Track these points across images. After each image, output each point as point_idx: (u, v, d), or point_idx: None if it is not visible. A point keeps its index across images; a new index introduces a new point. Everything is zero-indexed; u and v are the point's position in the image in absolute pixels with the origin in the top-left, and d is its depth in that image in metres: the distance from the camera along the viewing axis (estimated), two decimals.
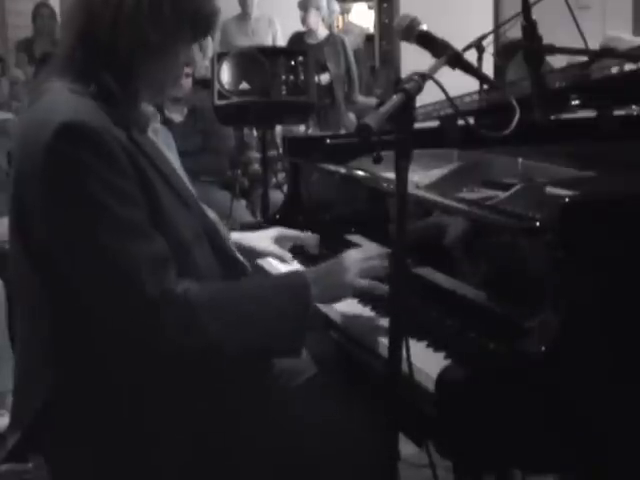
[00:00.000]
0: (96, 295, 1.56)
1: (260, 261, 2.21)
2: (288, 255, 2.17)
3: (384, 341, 1.65)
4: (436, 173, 2.23)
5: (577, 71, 2.57)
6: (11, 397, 3.43)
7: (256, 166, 5.14)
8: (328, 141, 2.64)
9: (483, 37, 3.17)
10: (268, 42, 7.11)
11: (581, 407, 1.54)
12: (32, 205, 1.58)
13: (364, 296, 1.89)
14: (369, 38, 9.22)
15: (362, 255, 1.81)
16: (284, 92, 4.02)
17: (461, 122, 2.37)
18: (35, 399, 1.64)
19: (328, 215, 2.53)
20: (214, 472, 1.68)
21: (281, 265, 2.20)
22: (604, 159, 2.15)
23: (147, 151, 1.65)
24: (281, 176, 4.89)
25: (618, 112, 2.51)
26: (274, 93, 3.99)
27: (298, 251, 2.23)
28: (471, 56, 2.93)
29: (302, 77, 4.02)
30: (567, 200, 1.57)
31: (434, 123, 2.53)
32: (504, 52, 4.71)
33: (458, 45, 1.69)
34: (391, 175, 1.60)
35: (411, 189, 1.64)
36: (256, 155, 5.13)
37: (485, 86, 2.21)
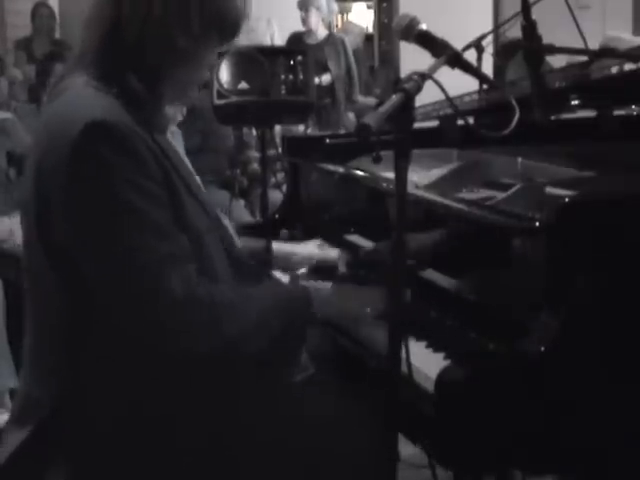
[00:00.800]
0: (119, 294, 1.55)
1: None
2: (332, 254, 2.18)
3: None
4: (436, 173, 2.23)
5: (577, 71, 2.56)
6: (8, 395, 3.41)
7: (255, 165, 5.14)
8: (327, 141, 2.64)
9: (483, 37, 3.16)
10: (266, 42, 7.10)
11: (581, 407, 1.54)
12: (56, 203, 1.56)
13: None
14: (368, 38, 9.22)
15: (362, 292, 1.85)
16: (283, 92, 4.01)
17: (461, 122, 2.37)
18: (42, 407, 1.62)
19: (327, 215, 2.53)
20: (213, 470, 1.68)
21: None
22: (604, 159, 2.15)
23: (168, 151, 1.65)
24: (280, 176, 4.88)
25: (618, 112, 2.51)
26: (273, 93, 3.98)
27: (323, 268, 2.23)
28: (471, 56, 2.92)
29: (301, 77, 4.01)
30: (567, 200, 1.57)
31: (434, 123, 2.52)
32: (504, 52, 4.71)
33: (457, 45, 1.68)
34: (390, 175, 1.60)
35: (410, 189, 1.64)
36: (255, 154, 5.13)
37: (485, 86, 2.21)
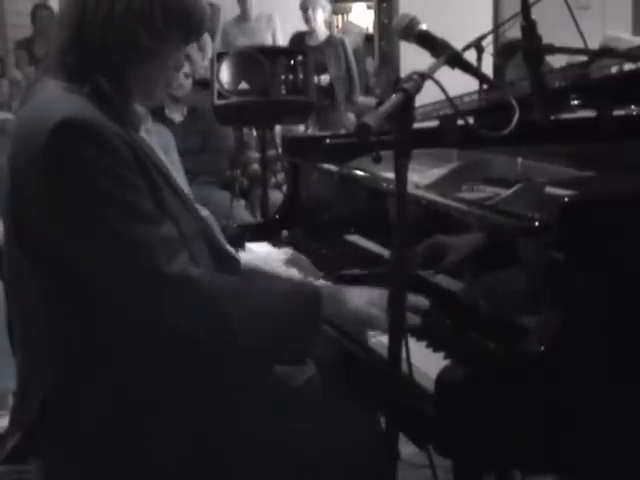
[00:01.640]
0: (112, 281, 1.56)
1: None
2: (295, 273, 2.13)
3: (383, 340, 1.64)
4: (436, 173, 2.23)
5: (577, 71, 2.56)
6: (11, 397, 3.44)
7: (255, 166, 5.14)
8: (327, 141, 2.63)
9: (483, 37, 3.16)
10: (268, 41, 7.11)
11: (581, 407, 1.54)
12: (30, 202, 1.58)
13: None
14: (368, 38, 9.22)
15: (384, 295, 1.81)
16: (283, 92, 4.02)
17: (461, 122, 2.37)
18: (34, 399, 1.64)
19: (327, 215, 2.53)
20: (213, 471, 1.68)
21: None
22: (604, 159, 2.15)
23: (145, 150, 1.66)
24: (280, 176, 4.89)
25: (618, 112, 2.51)
26: (273, 93, 3.99)
27: None
28: (470, 56, 2.92)
29: (301, 77, 4.02)
30: (566, 200, 1.57)
31: (434, 123, 2.52)
32: (504, 52, 4.71)
33: (457, 45, 1.69)
34: (390, 175, 1.60)
35: (411, 189, 1.64)
36: (255, 155, 5.13)
37: (485, 86, 2.21)
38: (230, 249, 1.88)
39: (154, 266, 1.54)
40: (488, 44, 3.18)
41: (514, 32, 2.80)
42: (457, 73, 1.62)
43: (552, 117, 2.36)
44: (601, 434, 1.57)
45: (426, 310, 1.73)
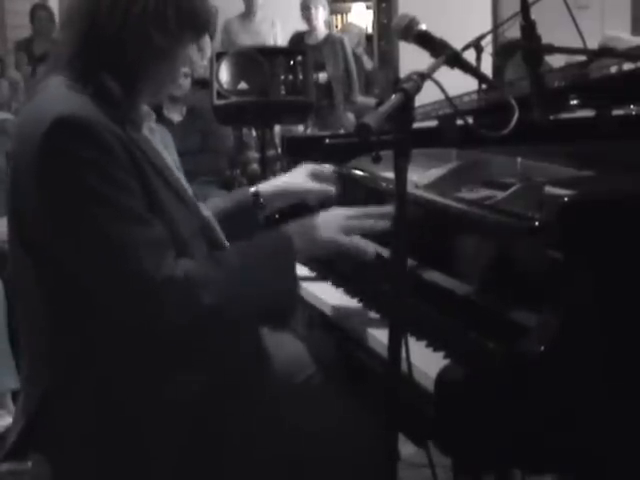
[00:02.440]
0: (98, 282, 1.57)
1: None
2: (329, 188, 2.07)
3: (383, 340, 1.65)
4: (435, 173, 2.23)
5: (576, 71, 2.57)
6: (10, 397, 3.45)
7: (255, 166, 5.14)
8: (327, 141, 2.63)
9: (482, 37, 3.17)
10: (269, 43, 7.11)
11: (580, 407, 1.54)
12: (29, 199, 1.59)
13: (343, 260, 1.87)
14: (368, 38, 9.23)
15: (350, 213, 1.82)
16: (283, 92, 4.02)
17: (460, 122, 2.37)
18: (34, 397, 1.65)
19: None
20: (211, 468, 1.68)
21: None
22: (603, 159, 2.15)
23: (143, 147, 1.67)
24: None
25: (617, 112, 2.51)
26: (273, 93, 3.99)
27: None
28: (470, 56, 2.92)
29: (301, 77, 4.02)
30: (566, 200, 1.57)
31: (433, 123, 2.52)
32: (503, 52, 4.71)
33: (457, 45, 1.69)
34: (390, 175, 1.60)
35: (410, 189, 1.64)
36: (255, 155, 5.14)
37: (484, 86, 2.21)
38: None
39: (139, 268, 1.54)
40: (487, 44, 3.18)
41: (513, 32, 2.80)
42: (456, 73, 1.62)
43: (551, 117, 2.36)
44: (600, 433, 1.57)
45: (426, 309, 1.73)
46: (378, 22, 9.16)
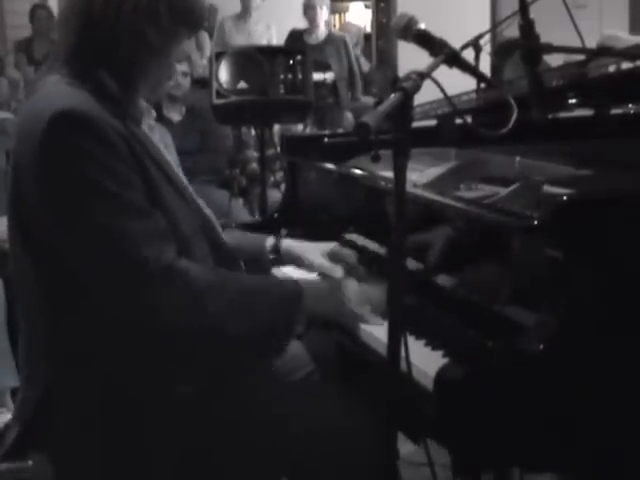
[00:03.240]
0: (98, 273, 1.58)
1: (275, 270, 2.16)
2: (338, 271, 2.02)
3: (382, 338, 1.65)
4: (434, 172, 2.23)
5: (574, 70, 2.57)
6: (9, 395, 3.46)
7: (254, 165, 5.14)
8: (326, 140, 2.64)
9: (480, 36, 3.17)
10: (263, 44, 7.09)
11: (579, 406, 1.55)
12: (30, 195, 1.59)
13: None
14: (366, 37, 9.23)
15: (363, 290, 1.83)
16: (282, 91, 4.02)
17: (459, 121, 2.37)
18: (33, 395, 1.65)
19: (326, 214, 2.53)
20: (210, 467, 1.68)
21: (295, 273, 2.13)
22: (601, 158, 2.15)
23: (143, 142, 1.67)
24: (279, 175, 4.89)
25: (615, 111, 2.51)
26: (272, 92, 3.98)
27: None
28: (468, 55, 2.93)
29: (300, 76, 4.01)
30: (564, 198, 1.57)
31: (432, 122, 2.53)
32: (501, 51, 4.71)
33: (455, 44, 1.69)
34: (389, 174, 1.60)
35: (409, 188, 1.65)
36: (254, 154, 5.13)
37: (483, 85, 2.21)
38: (229, 245, 1.88)
39: (139, 258, 1.55)
40: (486, 43, 3.19)
41: (512, 31, 2.80)
42: (455, 72, 1.63)
43: (550, 116, 2.37)
44: (600, 432, 1.57)
45: (425, 308, 1.73)
46: (377, 21, 9.16)
